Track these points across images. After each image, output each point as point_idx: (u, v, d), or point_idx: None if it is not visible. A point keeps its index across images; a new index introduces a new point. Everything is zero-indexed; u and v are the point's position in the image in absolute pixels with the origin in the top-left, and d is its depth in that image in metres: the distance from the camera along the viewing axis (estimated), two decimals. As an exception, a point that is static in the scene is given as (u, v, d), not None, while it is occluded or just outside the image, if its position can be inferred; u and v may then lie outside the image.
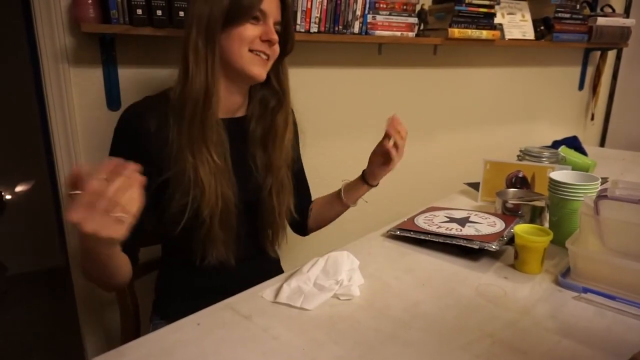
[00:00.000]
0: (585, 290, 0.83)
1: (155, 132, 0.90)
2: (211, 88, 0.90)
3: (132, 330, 1.13)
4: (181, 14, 1.20)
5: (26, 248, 2.51)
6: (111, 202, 0.57)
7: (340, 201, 1.16)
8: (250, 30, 0.92)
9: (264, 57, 0.95)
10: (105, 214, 0.57)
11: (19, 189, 2.49)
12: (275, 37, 0.94)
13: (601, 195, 0.84)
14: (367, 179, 1.13)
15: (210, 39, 0.89)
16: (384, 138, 1.06)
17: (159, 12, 1.18)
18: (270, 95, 1.04)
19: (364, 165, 1.14)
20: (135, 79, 1.36)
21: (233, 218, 0.98)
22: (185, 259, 1.02)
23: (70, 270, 1.42)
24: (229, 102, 1.00)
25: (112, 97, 1.32)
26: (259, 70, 0.95)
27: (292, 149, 1.07)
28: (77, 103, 1.29)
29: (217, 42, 0.90)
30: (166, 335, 0.69)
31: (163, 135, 0.91)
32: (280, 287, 0.81)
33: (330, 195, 1.20)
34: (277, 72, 1.03)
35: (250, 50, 0.93)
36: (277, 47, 0.97)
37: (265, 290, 0.82)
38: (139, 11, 1.16)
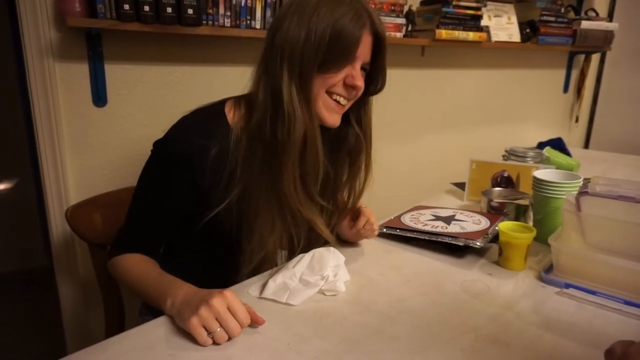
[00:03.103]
0: (568, 286, 0.84)
1: (212, 164, 0.80)
2: (313, 133, 0.79)
3: (117, 329, 1.12)
4: (168, 10, 1.20)
5: (9, 248, 2.47)
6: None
7: None
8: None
9: (343, 101, 0.82)
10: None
11: (1, 187, 2.44)
12: (361, 83, 0.81)
13: (582, 192, 0.86)
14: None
15: (305, 85, 0.77)
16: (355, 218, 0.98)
17: (146, 8, 1.17)
18: (348, 133, 0.90)
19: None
20: (122, 75, 1.35)
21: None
22: (197, 266, 0.94)
23: (54, 270, 1.40)
24: None
25: (98, 93, 1.31)
26: (334, 119, 0.83)
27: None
28: (62, 99, 1.28)
29: (312, 86, 0.78)
30: (150, 330, 0.69)
31: (220, 167, 0.81)
32: (266, 283, 0.81)
33: None
34: (358, 112, 0.89)
35: (328, 92, 0.81)
36: (361, 91, 0.84)
37: (251, 286, 0.82)
38: (126, 6, 1.16)
